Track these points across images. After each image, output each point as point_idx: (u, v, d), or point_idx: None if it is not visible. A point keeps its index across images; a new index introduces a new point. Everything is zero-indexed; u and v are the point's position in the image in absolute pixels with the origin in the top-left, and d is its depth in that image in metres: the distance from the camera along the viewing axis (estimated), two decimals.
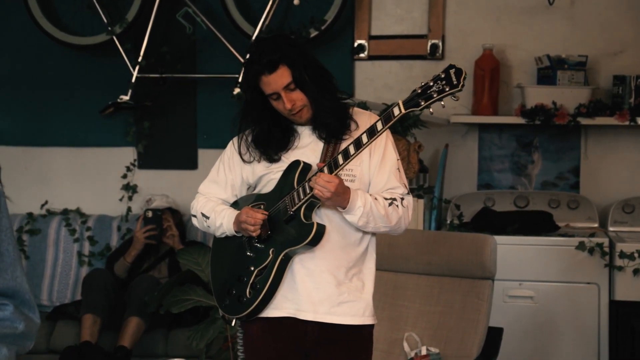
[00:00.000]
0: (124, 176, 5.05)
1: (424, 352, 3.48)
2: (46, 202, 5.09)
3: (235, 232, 2.74)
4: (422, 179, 4.54)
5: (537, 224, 4.46)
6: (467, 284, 3.59)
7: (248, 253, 2.73)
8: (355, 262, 2.72)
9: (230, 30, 4.71)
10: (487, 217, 4.52)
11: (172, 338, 4.45)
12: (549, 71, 4.59)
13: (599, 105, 4.52)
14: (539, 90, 4.56)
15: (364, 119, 2.71)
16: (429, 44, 4.80)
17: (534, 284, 4.33)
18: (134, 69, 4.74)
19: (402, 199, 2.70)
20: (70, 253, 4.98)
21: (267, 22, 4.63)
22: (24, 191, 5.10)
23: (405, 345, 3.55)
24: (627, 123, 4.47)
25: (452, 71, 2.51)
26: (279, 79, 2.63)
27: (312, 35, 4.61)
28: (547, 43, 4.71)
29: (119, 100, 4.73)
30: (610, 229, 4.55)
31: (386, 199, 2.66)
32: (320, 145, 2.70)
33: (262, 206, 2.72)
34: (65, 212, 5.06)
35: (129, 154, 5.07)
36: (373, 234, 2.76)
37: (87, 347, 4.26)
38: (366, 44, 4.85)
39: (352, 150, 2.58)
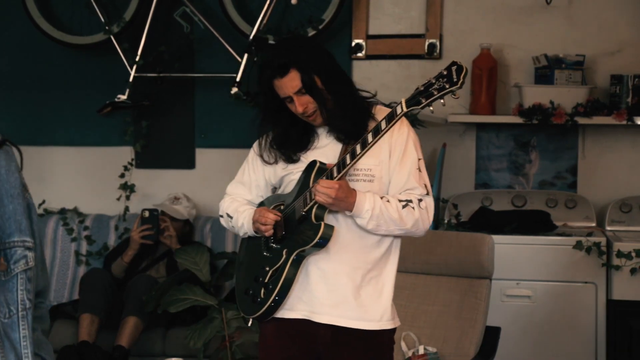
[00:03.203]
0: (122, 175, 5.05)
1: (421, 351, 3.48)
2: (44, 202, 5.09)
3: (255, 231, 2.73)
4: None
5: (535, 223, 4.46)
6: (465, 284, 3.59)
7: (265, 253, 2.71)
8: (374, 265, 2.68)
9: (228, 29, 4.71)
10: (485, 217, 4.53)
11: (169, 337, 4.44)
12: (547, 70, 4.60)
13: (597, 105, 4.52)
14: (536, 90, 4.57)
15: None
16: (427, 43, 4.80)
17: (532, 283, 4.33)
18: (131, 69, 4.74)
19: (420, 200, 2.64)
20: (68, 252, 4.98)
21: (264, 22, 4.63)
22: None
23: (403, 344, 3.55)
24: (624, 122, 4.48)
25: (454, 68, 2.48)
26: (289, 83, 2.60)
27: (310, 34, 4.61)
28: (545, 42, 4.72)
29: (116, 99, 4.73)
30: (608, 228, 4.56)
31: (401, 200, 2.62)
32: (339, 145, 2.67)
33: (281, 206, 2.71)
34: (62, 211, 5.06)
35: (126, 153, 5.07)
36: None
37: (85, 346, 4.26)
38: (364, 44, 4.85)
39: (358, 149, 2.55)
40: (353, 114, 2.65)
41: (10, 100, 5.10)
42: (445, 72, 2.49)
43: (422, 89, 2.52)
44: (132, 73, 4.74)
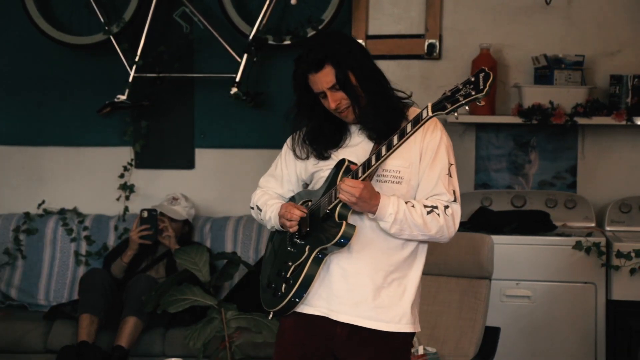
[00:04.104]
0: (121, 176, 5.05)
1: (421, 351, 3.48)
2: (43, 202, 5.09)
3: (281, 225, 2.74)
4: None
5: (535, 223, 4.46)
6: (465, 284, 3.60)
7: (289, 248, 2.72)
8: (398, 267, 2.67)
9: (228, 29, 4.71)
10: (485, 217, 4.53)
11: (169, 338, 4.44)
12: (546, 71, 4.60)
13: (596, 105, 4.52)
14: (536, 90, 4.57)
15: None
16: (426, 43, 4.80)
17: (531, 283, 4.33)
18: (131, 69, 4.74)
19: (447, 207, 2.63)
20: (68, 253, 4.98)
21: (264, 22, 4.63)
22: (21, 191, 5.10)
23: None
24: (624, 123, 4.48)
25: (481, 75, 2.44)
26: (323, 79, 2.60)
27: (310, 34, 4.61)
28: (544, 42, 4.72)
29: (116, 99, 4.73)
30: (607, 228, 4.56)
31: (426, 206, 2.61)
32: (370, 144, 2.66)
33: (309, 203, 2.71)
34: (62, 211, 5.06)
35: (126, 153, 5.07)
36: None
37: (84, 346, 4.26)
38: (364, 44, 4.84)
39: (383, 151, 2.54)
40: (386, 113, 2.64)
41: (10, 100, 5.10)
42: (472, 79, 2.46)
43: (448, 94, 2.49)
44: (132, 73, 4.74)
